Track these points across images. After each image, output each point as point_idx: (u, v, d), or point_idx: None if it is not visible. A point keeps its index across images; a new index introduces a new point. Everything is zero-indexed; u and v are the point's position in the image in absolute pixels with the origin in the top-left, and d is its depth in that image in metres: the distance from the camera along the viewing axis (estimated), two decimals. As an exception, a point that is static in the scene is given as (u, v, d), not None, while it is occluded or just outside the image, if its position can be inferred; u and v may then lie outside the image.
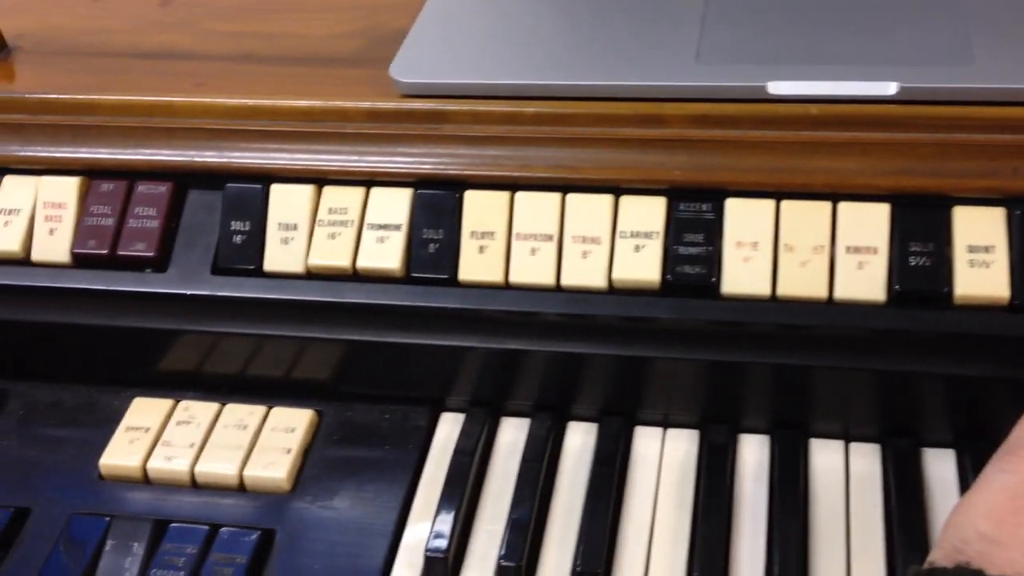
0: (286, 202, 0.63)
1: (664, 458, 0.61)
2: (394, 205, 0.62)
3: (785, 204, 0.58)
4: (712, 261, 0.58)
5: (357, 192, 0.63)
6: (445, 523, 0.58)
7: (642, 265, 0.58)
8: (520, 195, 0.61)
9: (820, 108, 0.58)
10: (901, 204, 0.57)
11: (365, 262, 0.62)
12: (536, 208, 0.60)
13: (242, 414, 0.65)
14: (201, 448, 0.63)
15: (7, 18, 0.74)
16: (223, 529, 0.59)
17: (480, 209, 0.61)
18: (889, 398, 0.59)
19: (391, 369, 0.65)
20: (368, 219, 0.62)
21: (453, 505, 0.59)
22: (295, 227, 0.63)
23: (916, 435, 0.60)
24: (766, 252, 0.57)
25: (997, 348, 0.55)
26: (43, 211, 0.67)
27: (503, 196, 0.61)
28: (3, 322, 0.67)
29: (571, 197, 0.60)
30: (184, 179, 0.66)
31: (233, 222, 0.64)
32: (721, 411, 0.62)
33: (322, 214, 0.63)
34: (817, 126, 0.58)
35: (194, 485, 0.62)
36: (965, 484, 0.57)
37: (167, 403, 0.66)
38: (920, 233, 0.56)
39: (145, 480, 0.63)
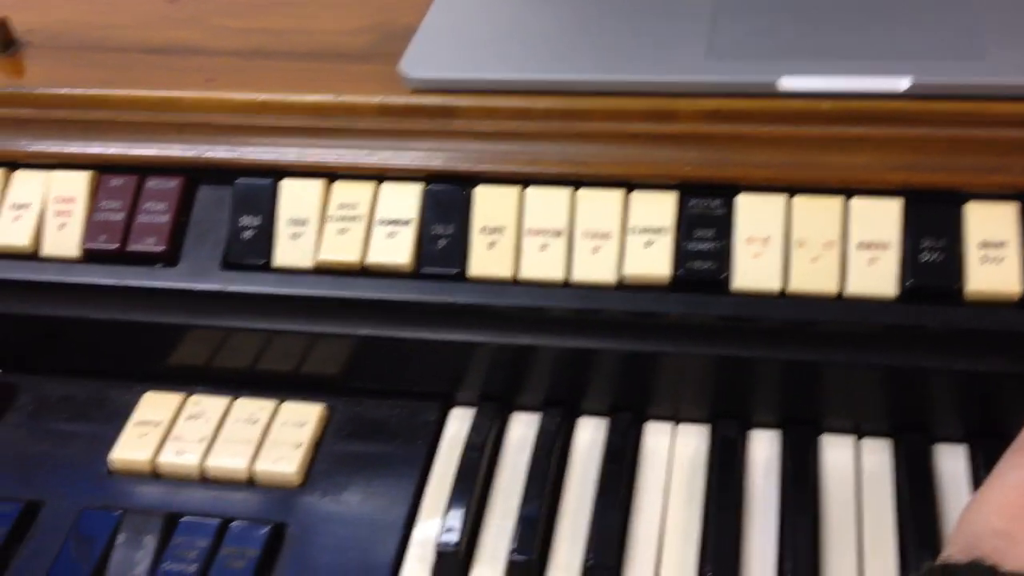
0: (296, 197, 0.64)
1: (674, 454, 0.61)
2: (404, 200, 0.62)
3: (796, 200, 0.58)
4: (723, 257, 0.58)
5: (367, 187, 0.63)
6: (456, 518, 0.58)
7: (653, 260, 0.58)
8: (530, 190, 0.61)
9: (832, 103, 0.58)
10: (913, 200, 0.57)
11: (375, 257, 0.62)
12: (546, 203, 0.60)
13: (252, 409, 0.65)
14: (212, 442, 0.63)
15: (17, 13, 0.74)
16: (234, 523, 0.59)
17: (490, 204, 0.61)
18: (900, 394, 0.59)
19: (401, 364, 0.65)
20: (378, 214, 0.62)
21: (464, 500, 0.59)
22: (305, 222, 0.63)
23: (928, 431, 0.59)
24: (777, 248, 0.57)
25: (1009, 344, 0.55)
26: (53, 206, 0.67)
27: (513, 191, 0.61)
28: (13, 316, 0.67)
29: (581, 192, 0.60)
30: (194, 174, 0.66)
31: (243, 217, 0.64)
32: (731, 407, 0.62)
33: (332, 209, 0.63)
34: (829, 121, 0.58)
35: (204, 479, 0.63)
36: (977, 480, 0.57)
37: (177, 397, 0.66)
38: (932, 229, 0.56)
39: (156, 474, 0.63)
